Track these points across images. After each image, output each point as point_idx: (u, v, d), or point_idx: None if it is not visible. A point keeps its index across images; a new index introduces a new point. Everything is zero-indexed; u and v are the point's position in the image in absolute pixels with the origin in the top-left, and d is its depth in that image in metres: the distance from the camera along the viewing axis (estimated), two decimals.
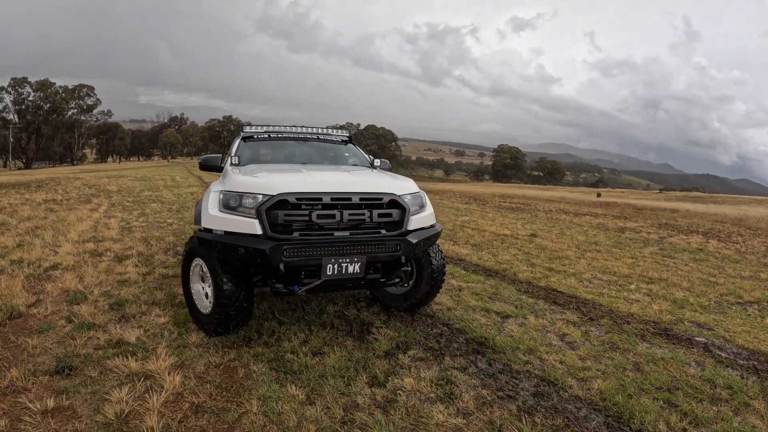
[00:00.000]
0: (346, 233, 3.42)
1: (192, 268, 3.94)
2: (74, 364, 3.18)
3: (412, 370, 3.35)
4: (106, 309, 4.30)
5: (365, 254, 3.40)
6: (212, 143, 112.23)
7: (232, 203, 3.41)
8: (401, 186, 3.85)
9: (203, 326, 3.77)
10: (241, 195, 3.40)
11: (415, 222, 3.71)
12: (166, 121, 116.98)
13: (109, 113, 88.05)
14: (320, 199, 3.38)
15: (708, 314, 5.03)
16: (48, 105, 74.95)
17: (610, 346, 3.97)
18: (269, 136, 5.39)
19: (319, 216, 3.33)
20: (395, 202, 3.64)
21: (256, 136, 5.37)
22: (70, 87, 78.17)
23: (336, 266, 3.33)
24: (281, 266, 3.22)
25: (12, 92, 73.28)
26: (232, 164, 4.33)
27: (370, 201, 3.54)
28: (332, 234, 3.38)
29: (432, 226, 3.94)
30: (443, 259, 4.35)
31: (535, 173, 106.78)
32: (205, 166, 4.84)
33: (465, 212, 15.94)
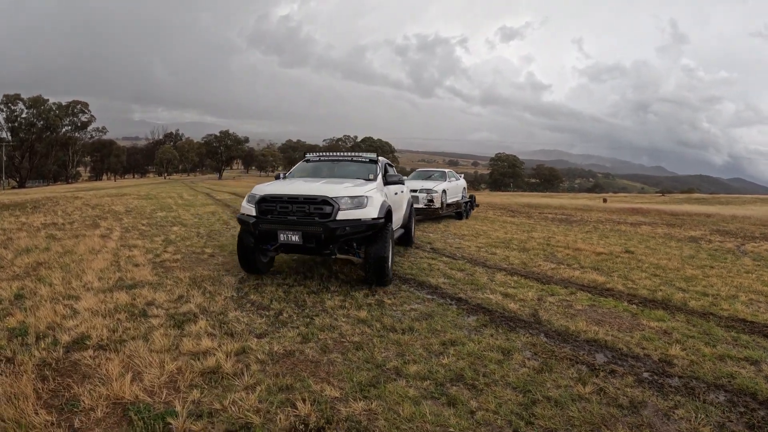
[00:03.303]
0: (295, 218, 5.47)
1: (241, 231, 5.95)
2: None
3: None
4: None
5: (300, 230, 5.36)
6: (209, 159, 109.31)
7: (250, 199, 5.87)
8: (341, 191, 5.56)
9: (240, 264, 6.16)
10: (254, 195, 5.84)
11: (343, 214, 5.36)
12: (161, 137, 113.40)
13: (103, 130, 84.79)
14: (281, 198, 5.59)
15: None
16: (41, 122, 71.73)
17: None
18: (319, 158, 7.79)
19: (280, 207, 5.56)
20: (326, 201, 5.39)
21: (311, 159, 7.82)
22: (63, 104, 75.18)
23: (285, 236, 5.42)
24: (257, 232, 5.55)
25: (4, 109, 70.02)
26: (281, 177, 7.21)
27: (310, 200, 5.46)
28: (286, 218, 5.50)
29: (367, 220, 5.44)
30: (381, 254, 5.56)
31: (533, 180, 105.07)
32: (276, 177, 7.29)
33: (526, 227, 14.01)
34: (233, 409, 2.63)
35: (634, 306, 5.38)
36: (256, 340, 3.78)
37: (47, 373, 3.04)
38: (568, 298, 5.61)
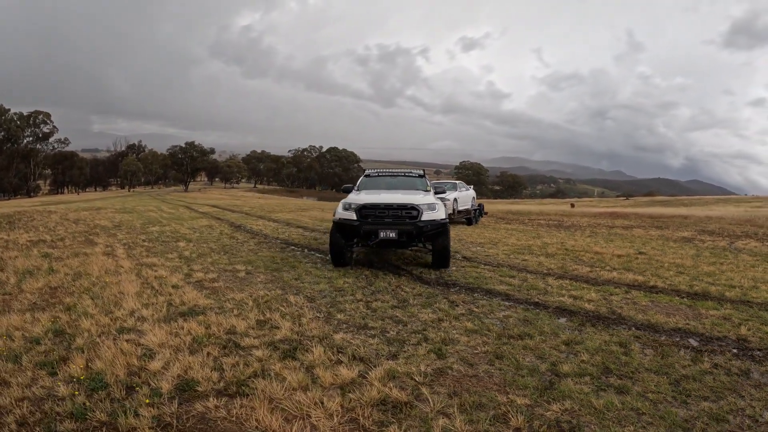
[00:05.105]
0: (390, 220, 6.94)
1: (332, 233, 7.29)
2: None
3: None
4: None
5: (396, 229, 6.83)
6: (174, 170, 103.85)
7: (346, 206, 7.25)
8: (420, 200, 7.21)
9: (331, 257, 7.38)
10: (351, 203, 7.26)
11: (425, 216, 6.96)
12: (123, 149, 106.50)
13: (66, 141, 78.25)
14: (379, 205, 7.06)
15: None
16: (2, 133, 65.14)
17: None
18: (378, 174, 9.26)
19: (378, 212, 6.99)
20: (414, 207, 6.99)
21: (371, 174, 9.23)
22: (25, 114, 68.79)
23: (384, 233, 6.82)
24: (362, 231, 6.92)
25: None
26: (354, 189, 8.36)
27: (402, 207, 7.00)
28: (383, 220, 6.94)
29: (440, 220, 7.08)
30: (445, 244, 7.08)
31: (497, 188, 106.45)
32: (344, 190, 8.61)
33: (532, 234, 13.88)
34: None
35: (685, 299, 5.62)
36: (392, 362, 3.35)
37: None
38: (627, 296, 5.71)
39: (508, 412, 2.66)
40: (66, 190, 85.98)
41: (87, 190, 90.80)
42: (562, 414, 2.70)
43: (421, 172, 9.33)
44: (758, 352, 3.82)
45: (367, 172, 9.34)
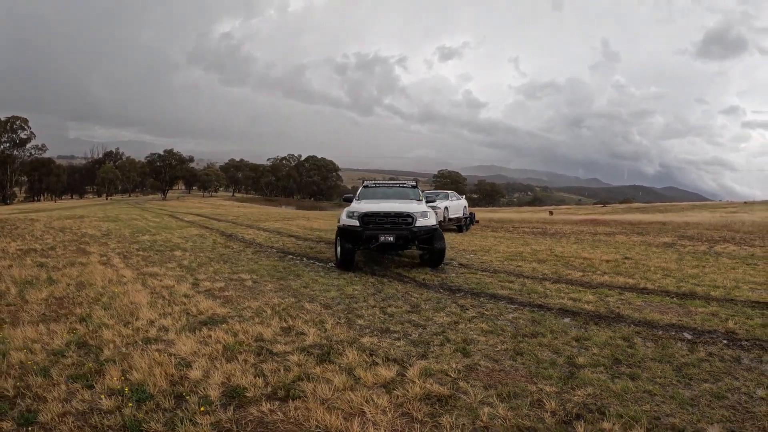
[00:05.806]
0: (389, 226, 7.68)
1: (337, 239, 8.07)
2: None
3: None
4: None
5: (394, 234, 7.59)
6: (152, 178, 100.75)
7: (350, 214, 7.94)
8: (415, 208, 8.00)
9: (336, 263, 8.10)
10: (353, 211, 7.94)
11: (419, 222, 7.75)
12: (100, 156, 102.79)
13: (43, 148, 74.77)
14: (379, 213, 7.78)
15: None
16: None
17: None
18: (376, 185, 10.05)
19: (378, 219, 7.72)
20: (409, 215, 7.74)
21: (369, 185, 9.94)
22: (2, 119, 65.69)
23: (383, 237, 7.56)
24: (364, 236, 7.63)
25: None
26: (355, 199, 9.05)
27: (398, 214, 7.75)
28: (383, 226, 7.67)
29: (431, 226, 7.93)
30: (441, 246, 7.93)
31: (474, 196, 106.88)
32: (345, 200, 9.36)
33: (519, 241, 14.21)
34: (497, 422, 2.64)
35: (675, 299, 5.93)
36: (424, 361, 3.53)
37: None
38: (622, 297, 5.98)
39: (542, 398, 2.94)
40: (42, 198, 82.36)
41: (63, 197, 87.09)
42: (587, 398, 2.99)
43: (414, 183, 10.16)
44: (746, 342, 4.19)
45: (365, 183, 10.11)
